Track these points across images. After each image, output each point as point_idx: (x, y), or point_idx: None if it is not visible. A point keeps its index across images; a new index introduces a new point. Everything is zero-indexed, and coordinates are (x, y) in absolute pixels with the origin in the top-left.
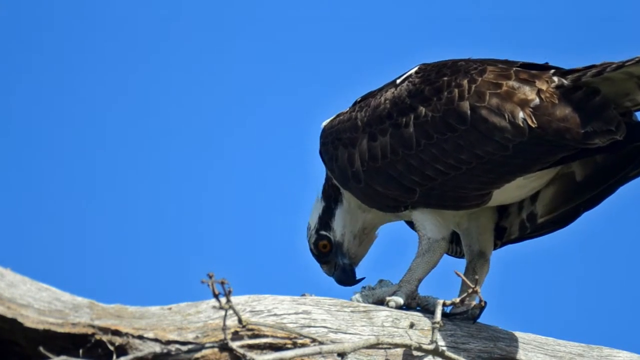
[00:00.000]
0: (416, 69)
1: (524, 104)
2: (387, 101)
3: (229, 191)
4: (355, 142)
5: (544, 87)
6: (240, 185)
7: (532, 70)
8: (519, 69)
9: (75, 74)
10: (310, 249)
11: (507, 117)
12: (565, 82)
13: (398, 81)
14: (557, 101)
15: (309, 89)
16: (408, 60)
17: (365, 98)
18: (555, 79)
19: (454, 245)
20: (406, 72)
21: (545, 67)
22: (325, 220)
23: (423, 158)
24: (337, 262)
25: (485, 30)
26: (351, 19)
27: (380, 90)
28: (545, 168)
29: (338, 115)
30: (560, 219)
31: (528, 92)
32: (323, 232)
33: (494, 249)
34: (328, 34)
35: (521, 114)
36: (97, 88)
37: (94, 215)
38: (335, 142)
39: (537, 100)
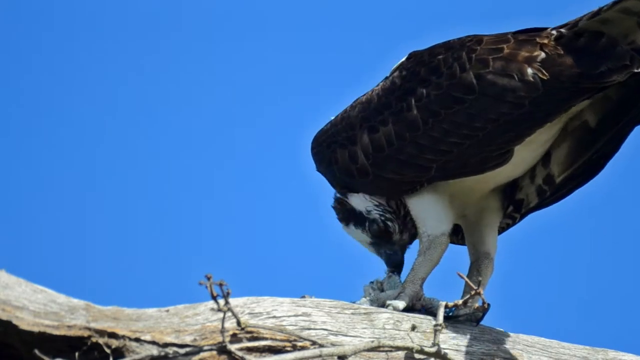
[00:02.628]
0: (406, 56)
1: (530, 60)
2: (380, 92)
3: (228, 192)
4: (354, 140)
5: (545, 41)
6: (239, 185)
7: (530, 32)
8: (515, 33)
9: (76, 73)
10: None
11: (515, 76)
12: (564, 32)
13: (389, 74)
14: (562, 51)
15: (310, 92)
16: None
17: (354, 101)
18: (554, 32)
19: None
20: (397, 63)
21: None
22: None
23: (434, 135)
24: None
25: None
26: (357, 19)
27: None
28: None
29: (327, 123)
30: (580, 173)
31: (531, 49)
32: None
33: (514, 223)
34: (334, 35)
35: (530, 70)
36: (97, 87)
37: (90, 216)
38: (331, 145)
39: (542, 55)
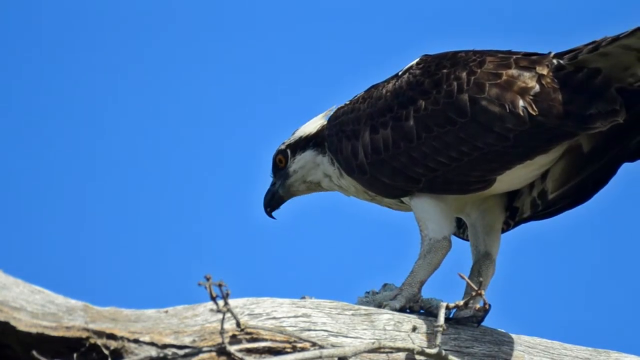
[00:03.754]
0: (417, 60)
1: (524, 92)
2: (388, 93)
3: (227, 192)
4: (358, 135)
5: (544, 71)
6: (238, 186)
7: (532, 57)
8: (519, 57)
9: (71, 74)
10: (275, 152)
11: (507, 107)
12: (565, 64)
13: (400, 73)
14: (558, 86)
15: (308, 89)
16: (411, 54)
17: (369, 90)
18: (555, 61)
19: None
20: (409, 64)
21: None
22: (302, 146)
23: (424, 150)
24: (276, 184)
25: (491, 23)
26: (352, 14)
27: (383, 82)
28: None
29: (344, 106)
30: (571, 193)
31: (528, 80)
32: (288, 152)
33: (508, 229)
34: (327, 32)
35: (521, 103)
36: (94, 88)
37: (89, 216)
38: (339, 134)
39: (537, 88)
